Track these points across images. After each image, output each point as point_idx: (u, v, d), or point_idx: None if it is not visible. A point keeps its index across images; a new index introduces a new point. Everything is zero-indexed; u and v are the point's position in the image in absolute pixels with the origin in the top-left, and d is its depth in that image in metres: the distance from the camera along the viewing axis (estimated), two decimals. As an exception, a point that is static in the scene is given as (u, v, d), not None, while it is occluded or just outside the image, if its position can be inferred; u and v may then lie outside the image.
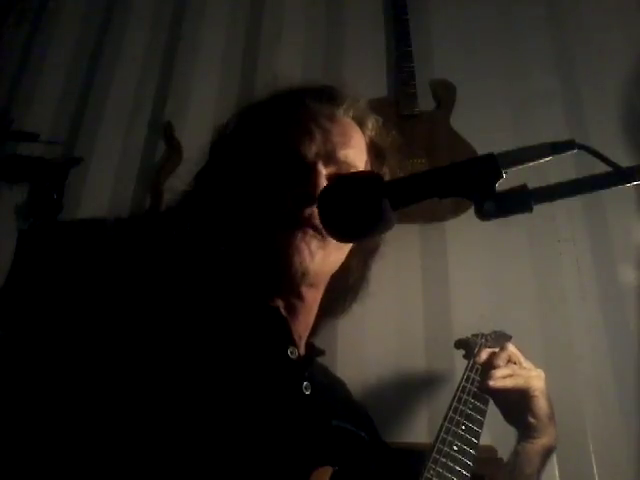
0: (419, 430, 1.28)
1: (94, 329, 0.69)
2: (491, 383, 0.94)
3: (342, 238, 0.75)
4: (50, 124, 1.74)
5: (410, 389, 1.34)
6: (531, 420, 0.95)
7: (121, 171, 1.67)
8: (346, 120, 0.91)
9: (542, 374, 0.98)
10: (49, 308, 0.71)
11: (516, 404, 0.96)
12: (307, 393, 0.80)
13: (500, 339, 1.13)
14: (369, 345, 1.38)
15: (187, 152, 1.62)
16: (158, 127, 1.71)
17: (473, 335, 1.13)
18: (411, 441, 1.26)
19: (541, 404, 0.96)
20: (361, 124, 0.93)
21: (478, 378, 1.00)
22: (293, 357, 0.81)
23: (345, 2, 1.87)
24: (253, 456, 0.68)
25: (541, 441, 0.96)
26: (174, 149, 1.65)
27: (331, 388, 0.97)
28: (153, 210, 1.49)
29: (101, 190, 1.63)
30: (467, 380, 1.00)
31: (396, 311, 1.42)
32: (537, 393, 0.96)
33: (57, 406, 0.64)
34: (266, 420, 0.71)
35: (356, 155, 0.87)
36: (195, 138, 1.64)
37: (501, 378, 0.95)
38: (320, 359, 0.94)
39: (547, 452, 0.97)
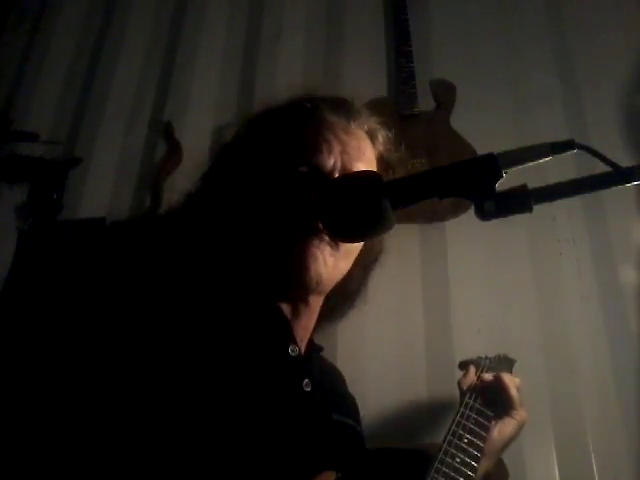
0: (421, 433, 1.28)
1: (94, 329, 0.69)
2: (506, 379, 1.03)
3: (342, 238, 0.75)
4: (50, 124, 1.74)
5: (410, 390, 1.34)
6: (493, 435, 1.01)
7: (121, 171, 1.67)
8: (360, 133, 0.92)
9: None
10: (49, 308, 0.71)
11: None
12: (307, 390, 0.81)
13: (503, 362, 1.16)
14: (369, 345, 1.38)
15: (187, 152, 1.62)
16: (158, 127, 1.71)
17: (477, 357, 1.17)
18: (412, 445, 1.26)
19: (512, 431, 1.02)
20: (373, 138, 0.94)
21: (481, 398, 1.04)
22: (294, 355, 0.81)
23: (345, 2, 1.87)
24: (254, 457, 0.68)
25: (484, 464, 0.99)
26: (174, 149, 1.65)
27: (330, 381, 0.98)
28: (152, 211, 1.50)
29: (101, 190, 1.63)
30: (470, 397, 1.04)
31: (396, 310, 1.42)
32: (518, 418, 1.02)
33: (57, 406, 0.64)
34: (267, 419, 0.72)
35: (368, 169, 0.88)
36: (195, 138, 1.65)
37: (513, 383, 1.04)
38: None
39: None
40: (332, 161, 0.84)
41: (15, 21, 1.94)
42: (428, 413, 1.30)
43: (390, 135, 0.97)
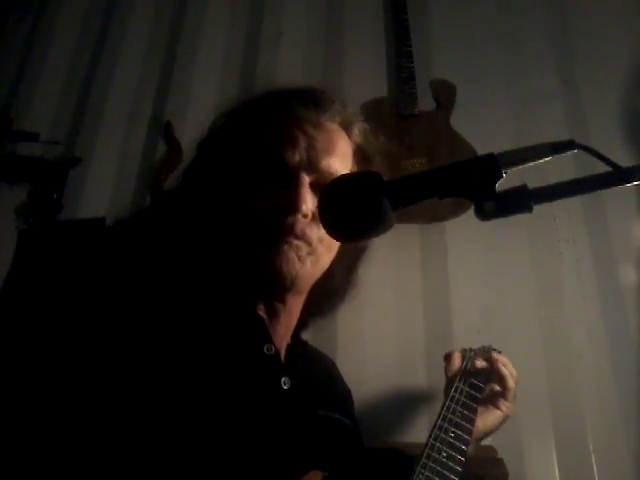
0: (418, 430, 1.28)
1: (91, 329, 0.69)
2: (504, 369, 1.01)
3: (342, 238, 0.75)
4: (50, 124, 1.74)
5: (410, 388, 1.34)
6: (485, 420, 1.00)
7: (121, 171, 1.67)
8: (332, 126, 0.88)
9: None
10: (49, 308, 0.71)
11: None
12: (286, 388, 0.79)
13: (488, 353, 1.14)
14: (369, 345, 1.38)
15: (187, 152, 1.61)
16: (158, 127, 1.71)
17: (462, 349, 1.16)
18: (410, 441, 1.26)
19: (495, 422, 1.01)
20: (347, 130, 0.91)
21: (467, 389, 1.02)
22: (269, 354, 0.80)
23: (345, 2, 1.87)
24: (233, 459, 0.67)
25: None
26: (174, 149, 1.65)
27: (320, 373, 0.97)
28: (149, 211, 1.50)
29: (101, 190, 1.63)
30: (456, 390, 1.02)
31: (396, 311, 1.42)
32: (505, 410, 1.02)
33: (53, 405, 0.65)
34: (245, 421, 0.71)
35: (340, 163, 0.86)
36: (195, 138, 1.65)
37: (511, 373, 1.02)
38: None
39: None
40: (297, 157, 0.82)
41: (15, 21, 1.94)
42: (427, 411, 1.30)
43: (367, 126, 0.94)
